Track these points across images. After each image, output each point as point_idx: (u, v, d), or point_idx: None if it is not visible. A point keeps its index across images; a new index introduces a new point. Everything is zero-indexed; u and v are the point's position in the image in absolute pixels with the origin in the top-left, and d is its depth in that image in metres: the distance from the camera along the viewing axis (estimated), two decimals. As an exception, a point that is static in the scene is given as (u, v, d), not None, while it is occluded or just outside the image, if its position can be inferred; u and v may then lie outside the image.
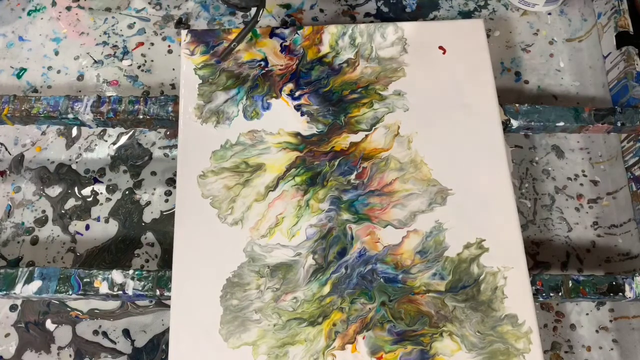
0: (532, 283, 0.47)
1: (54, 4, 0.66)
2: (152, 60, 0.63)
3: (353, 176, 0.50)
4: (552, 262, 0.55)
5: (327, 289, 0.46)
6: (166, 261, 0.54)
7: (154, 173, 0.58)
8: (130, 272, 0.47)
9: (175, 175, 0.57)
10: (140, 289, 0.47)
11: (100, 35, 0.64)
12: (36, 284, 0.47)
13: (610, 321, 0.54)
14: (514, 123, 0.53)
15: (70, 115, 0.52)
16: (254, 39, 0.55)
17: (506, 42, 0.64)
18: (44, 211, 0.57)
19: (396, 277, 0.46)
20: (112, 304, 0.53)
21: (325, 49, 0.55)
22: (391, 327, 0.45)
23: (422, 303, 0.46)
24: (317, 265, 0.47)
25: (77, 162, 0.59)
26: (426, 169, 0.50)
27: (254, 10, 0.53)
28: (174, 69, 0.62)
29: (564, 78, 0.62)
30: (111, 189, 0.57)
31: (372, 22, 0.64)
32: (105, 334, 0.53)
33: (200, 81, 0.53)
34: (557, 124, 0.53)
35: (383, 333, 0.45)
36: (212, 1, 0.65)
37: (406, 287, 0.46)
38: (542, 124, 0.53)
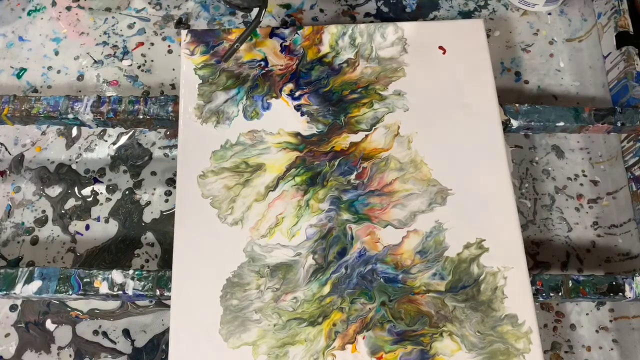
0: (532, 283, 0.47)
1: (54, 4, 0.66)
2: (152, 60, 0.63)
3: (353, 176, 0.50)
4: (552, 262, 0.55)
5: (327, 289, 0.46)
6: (166, 261, 0.54)
7: (154, 173, 0.58)
8: (130, 272, 0.47)
9: (175, 175, 0.57)
10: (140, 289, 0.47)
11: (100, 35, 0.64)
12: (36, 284, 0.47)
13: (610, 321, 0.54)
14: (514, 123, 0.53)
15: (70, 115, 0.52)
16: (254, 39, 0.55)
17: (506, 42, 0.64)
18: (44, 211, 0.57)
19: (396, 277, 0.46)
20: (112, 304, 0.53)
21: (325, 49, 0.55)
22: (391, 327, 0.45)
23: (422, 303, 0.46)
24: (317, 265, 0.47)
25: (77, 162, 0.59)
26: (426, 169, 0.50)
27: (255, 10, 0.53)
28: (174, 69, 0.62)
29: (564, 78, 0.62)
30: (111, 189, 0.57)
31: (372, 22, 0.64)
32: (105, 334, 0.53)
33: (200, 81, 0.53)
34: (557, 124, 0.53)
35: (383, 333, 0.45)
36: (212, 1, 0.65)
37: (406, 287, 0.46)
38: (542, 124, 0.53)
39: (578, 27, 0.64)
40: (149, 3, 0.65)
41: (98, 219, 0.56)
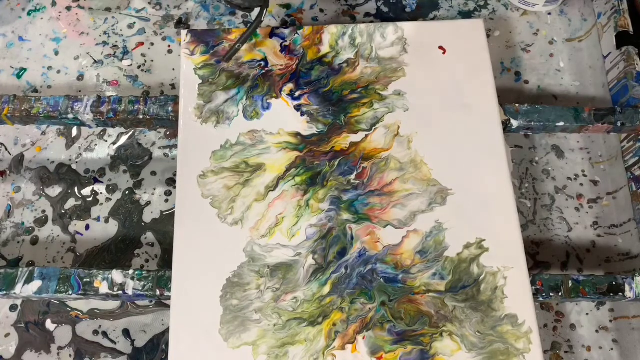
0: (532, 283, 0.47)
1: (54, 4, 0.66)
2: (152, 60, 0.63)
3: (353, 176, 0.50)
4: (552, 262, 0.55)
5: (327, 289, 0.46)
6: (166, 261, 0.54)
7: (154, 173, 0.58)
8: (130, 272, 0.47)
9: (175, 175, 0.57)
10: (140, 289, 0.47)
11: (100, 35, 0.64)
12: (36, 284, 0.47)
13: (610, 321, 0.54)
14: (514, 123, 0.53)
15: (70, 115, 0.52)
16: (254, 39, 0.55)
17: (506, 42, 0.64)
18: (44, 211, 0.57)
19: (396, 277, 0.46)
20: (112, 304, 0.53)
21: (325, 49, 0.55)
22: (391, 327, 0.45)
23: (422, 303, 0.46)
24: (317, 265, 0.47)
25: (77, 162, 0.59)
26: (426, 169, 0.50)
27: (256, 10, 0.53)
28: (174, 69, 0.62)
29: (564, 78, 0.62)
30: (111, 189, 0.57)
31: (372, 22, 0.64)
32: (105, 334, 0.53)
33: (200, 81, 0.53)
34: (557, 124, 0.53)
35: (383, 333, 0.45)
36: (212, 1, 0.65)
37: (406, 287, 0.46)
38: (542, 124, 0.53)
39: (578, 27, 0.64)
40: (149, 3, 0.65)
41: (98, 219, 0.56)
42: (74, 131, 0.60)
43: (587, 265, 0.55)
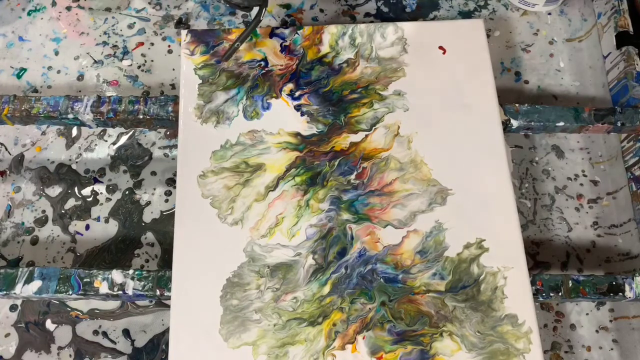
0: (532, 283, 0.47)
1: (54, 4, 0.66)
2: (152, 60, 0.63)
3: (353, 176, 0.50)
4: (552, 262, 0.55)
5: (327, 289, 0.46)
6: (166, 261, 0.54)
7: (154, 173, 0.58)
8: (130, 272, 0.47)
9: (175, 175, 0.57)
10: (140, 289, 0.47)
11: (100, 35, 0.64)
12: (36, 284, 0.47)
13: (610, 321, 0.54)
14: (514, 123, 0.53)
15: (70, 115, 0.52)
16: (254, 39, 0.55)
17: (506, 42, 0.64)
18: (44, 211, 0.57)
19: (396, 277, 0.46)
20: (112, 304, 0.53)
21: (325, 49, 0.55)
22: (391, 327, 0.45)
23: (422, 303, 0.46)
24: (317, 265, 0.47)
25: (77, 162, 0.59)
26: (426, 169, 0.50)
27: (255, 10, 0.53)
28: (174, 69, 0.62)
29: (564, 78, 0.62)
30: (111, 189, 0.57)
31: (372, 22, 0.64)
32: (105, 334, 0.53)
33: (200, 81, 0.53)
34: (557, 124, 0.53)
35: (383, 333, 0.45)
36: (212, 1, 0.65)
37: (406, 287, 0.46)
38: (542, 124, 0.53)
39: (578, 27, 0.64)
40: (149, 3, 0.65)
41: (98, 219, 0.56)
42: (74, 131, 0.60)
43: (587, 265, 0.55)
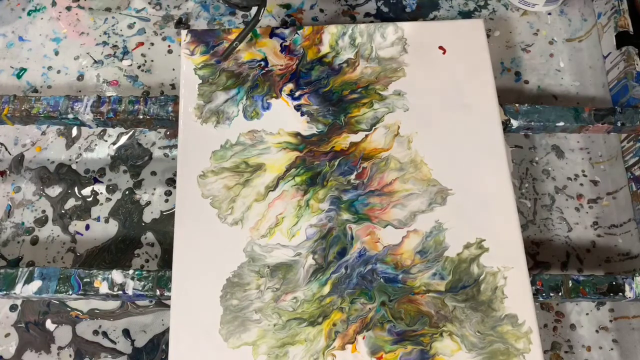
0: (532, 283, 0.47)
1: (54, 4, 0.66)
2: (152, 60, 0.63)
3: (353, 176, 0.50)
4: (552, 262, 0.55)
5: (327, 289, 0.46)
6: (166, 261, 0.54)
7: (154, 173, 0.58)
8: (130, 272, 0.47)
9: (175, 175, 0.57)
10: (140, 289, 0.47)
11: (100, 35, 0.64)
12: (36, 284, 0.47)
13: (610, 321, 0.54)
14: (514, 123, 0.53)
15: (70, 115, 0.52)
16: (254, 39, 0.55)
17: (506, 42, 0.64)
18: (44, 211, 0.57)
19: (396, 277, 0.46)
20: (112, 304, 0.53)
21: (325, 49, 0.55)
22: (391, 327, 0.45)
23: (422, 303, 0.46)
24: (317, 265, 0.47)
25: (77, 162, 0.59)
26: (426, 169, 0.50)
27: (254, 9, 0.53)
28: (174, 69, 0.62)
29: (564, 78, 0.62)
30: (111, 189, 0.57)
31: (372, 22, 0.64)
32: (105, 334, 0.53)
33: (200, 81, 0.53)
34: (557, 124, 0.53)
35: (383, 333, 0.45)
36: (212, 1, 0.65)
37: (406, 287, 0.46)
38: (542, 124, 0.53)
39: (578, 27, 0.64)
40: (149, 3, 0.65)
41: (98, 219, 0.56)
42: (74, 131, 0.60)
43: (587, 265, 0.55)
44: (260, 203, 0.49)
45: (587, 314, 0.54)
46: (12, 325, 0.53)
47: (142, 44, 0.63)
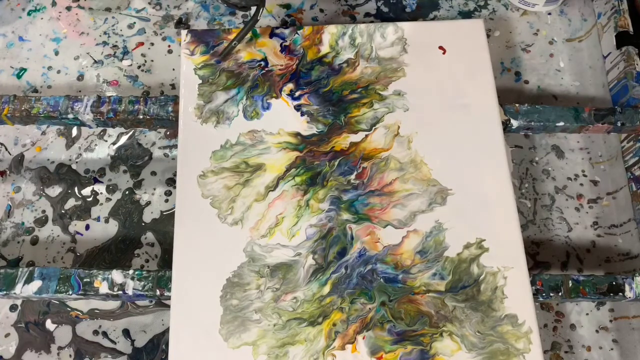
0: (532, 283, 0.47)
1: (54, 4, 0.66)
2: (152, 60, 0.63)
3: (353, 176, 0.50)
4: (552, 262, 0.55)
5: (327, 289, 0.46)
6: (166, 261, 0.54)
7: (154, 173, 0.58)
8: (130, 272, 0.47)
9: (175, 175, 0.57)
10: (140, 289, 0.47)
11: (100, 35, 0.64)
12: (36, 284, 0.47)
13: (610, 321, 0.54)
14: (514, 123, 0.53)
15: (70, 115, 0.52)
16: (254, 39, 0.55)
17: (506, 42, 0.64)
18: (44, 211, 0.57)
19: (396, 277, 0.46)
20: (112, 304, 0.53)
21: (325, 49, 0.55)
22: (391, 327, 0.45)
23: (422, 303, 0.46)
24: (317, 265, 0.47)
25: (77, 162, 0.59)
26: (426, 169, 0.50)
27: (254, 9, 0.53)
28: (174, 69, 0.62)
29: (564, 78, 0.62)
30: (111, 189, 0.57)
31: (372, 22, 0.64)
32: (105, 334, 0.53)
33: (200, 81, 0.53)
34: (557, 124, 0.53)
35: (383, 333, 0.45)
36: (212, 1, 0.65)
37: (406, 287, 0.46)
38: (542, 124, 0.53)
39: (578, 27, 0.64)
40: (149, 3, 0.65)
41: (98, 219, 0.56)
42: (74, 131, 0.60)
43: (587, 265, 0.55)
44: (260, 203, 0.49)
45: (587, 314, 0.54)
46: (12, 325, 0.53)
47: (142, 44, 0.63)
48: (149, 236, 0.56)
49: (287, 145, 0.51)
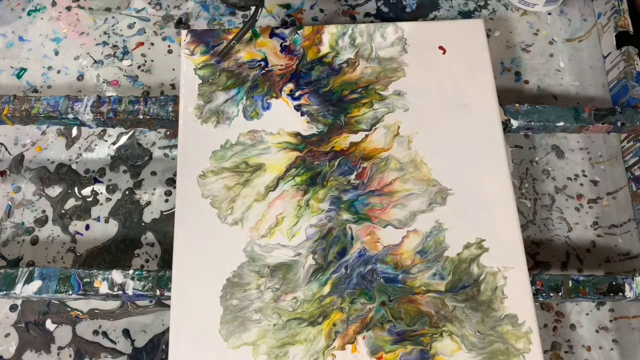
0: (532, 283, 0.47)
1: (54, 4, 0.66)
2: (152, 60, 0.63)
3: (353, 176, 0.50)
4: (552, 262, 0.55)
5: (327, 289, 0.46)
6: (166, 261, 0.54)
7: (154, 173, 0.58)
8: (130, 272, 0.47)
9: (175, 175, 0.57)
10: (140, 289, 0.47)
11: (100, 35, 0.64)
12: (36, 284, 0.47)
13: (610, 321, 0.54)
14: (514, 123, 0.53)
15: (70, 115, 0.52)
16: (254, 39, 0.55)
17: (506, 42, 0.64)
18: (44, 211, 0.57)
19: (396, 277, 0.46)
20: (112, 304, 0.53)
21: (325, 49, 0.55)
22: (391, 327, 0.45)
23: (422, 303, 0.46)
24: (317, 265, 0.47)
25: (77, 162, 0.59)
26: (426, 169, 0.50)
27: (253, 9, 0.53)
28: (174, 69, 0.62)
29: (564, 78, 0.62)
30: (111, 189, 0.57)
31: (372, 22, 0.64)
32: (105, 334, 0.53)
33: (200, 81, 0.53)
34: (557, 124, 0.53)
35: (383, 333, 0.45)
36: (212, 1, 0.65)
37: (406, 287, 0.46)
38: (542, 124, 0.53)
39: (578, 27, 0.64)
40: (149, 3, 0.65)
41: (98, 219, 0.56)
42: (74, 131, 0.60)
43: (587, 265, 0.55)
44: (260, 203, 0.49)
45: (587, 314, 0.54)
46: (12, 325, 0.53)
47: (142, 44, 0.63)
48: (149, 236, 0.56)
49: (287, 145, 0.51)
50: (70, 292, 0.47)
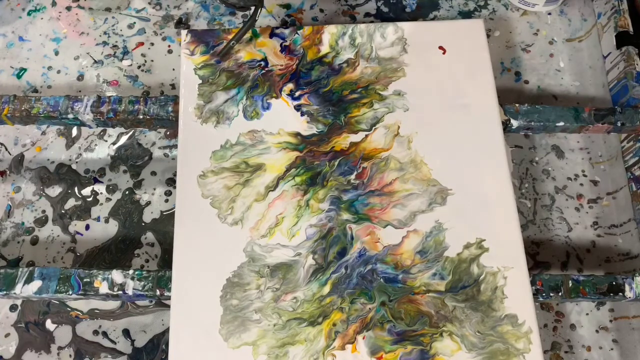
0: (532, 283, 0.47)
1: (54, 4, 0.66)
2: (152, 60, 0.63)
3: (353, 176, 0.50)
4: (552, 262, 0.55)
5: (327, 289, 0.46)
6: (166, 261, 0.54)
7: (154, 173, 0.58)
8: (130, 272, 0.47)
9: (175, 175, 0.57)
10: (140, 289, 0.47)
11: (100, 35, 0.64)
12: (36, 284, 0.47)
13: (610, 321, 0.54)
14: (514, 123, 0.53)
15: (70, 115, 0.52)
16: (254, 39, 0.55)
17: (506, 42, 0.64)
18: (44, 211, 0.57)
19: (396, 277, 0.46)
20: (112, 304, 0.53)
21: (325, 49, 0.55)
22: (391, 327, 0.45)
23: (422, 303, 0.46)
24: (317, 265, 0.47)
25: (77, 162, 0.59)
26: (426, 169, 0.50)
27: (253, 9, 0.53)
28: (174, 69, 0.62)
29: (564, 78, 0.62)
30: (111, 189, 0.57)
31: (372, 22, 0.64)
32: (105, 334, 0.53)
33: (200, 81, 0.53)
34: (557, 124, 0.53)
35: (383, 333, 0.45)
36: (212, 1, 0.65)
37: (406, 287, 0.46)
38: (542, 124, 0.53)
39: (578, 27, 0.64)
40: (149, 3, 0.65)
41: (98, 219, 0.56)
42: (74, 131, 0.60)
43: (587, 265, 0.55)
44: (260, 203, 0.49)
45: (587, 314, 0.54)
46: (12, 325, 0.53)
47: (142, 44, 0.63)
48: (149, 236, 0.56)
49: (287, 145, 0.51)
50: (70, 292, 0.47)
